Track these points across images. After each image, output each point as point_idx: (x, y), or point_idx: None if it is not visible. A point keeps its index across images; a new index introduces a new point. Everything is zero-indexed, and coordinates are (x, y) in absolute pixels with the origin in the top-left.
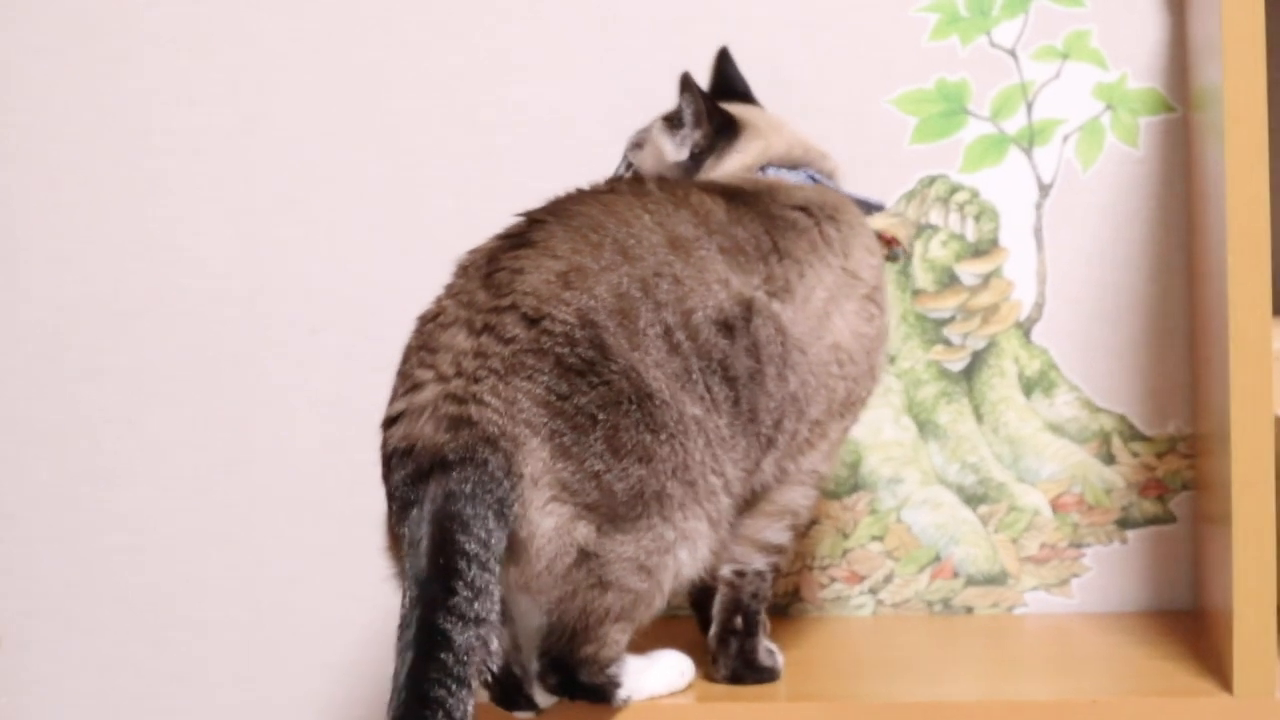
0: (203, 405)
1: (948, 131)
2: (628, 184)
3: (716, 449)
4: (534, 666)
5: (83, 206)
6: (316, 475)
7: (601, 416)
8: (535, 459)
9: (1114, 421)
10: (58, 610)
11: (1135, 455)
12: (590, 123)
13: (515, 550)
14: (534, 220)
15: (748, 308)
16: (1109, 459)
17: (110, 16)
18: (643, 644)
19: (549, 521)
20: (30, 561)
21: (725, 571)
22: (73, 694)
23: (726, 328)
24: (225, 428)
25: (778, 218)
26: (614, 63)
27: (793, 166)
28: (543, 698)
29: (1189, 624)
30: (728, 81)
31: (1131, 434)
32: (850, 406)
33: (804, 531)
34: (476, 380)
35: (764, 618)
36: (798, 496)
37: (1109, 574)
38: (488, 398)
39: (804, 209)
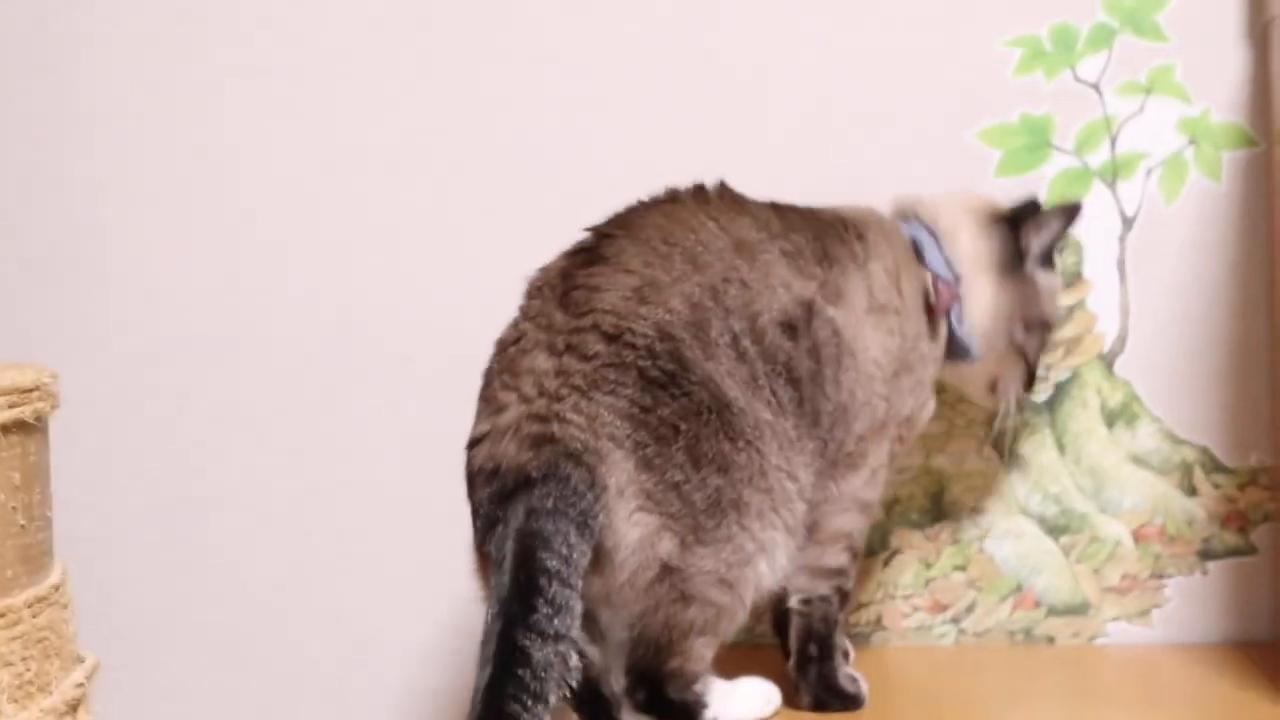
0: (293, 434)
1: (1032, 165)
2: (689, 193)
3: (788, 452)
4: (621, 683)
5: (177, 238)
6: (405, 504)
7: (683, 427)
8: (619, 471)
9: (1196, 453)
10: (148, 637)
11: (1217, 487)
12: (669, 144)
13: (600, 562)
14: (602, 235)
15: (809, 309)
16: (1191, 490)
17: (203, 50)
18: (730, 672)
19: (635, 533)
20: (123, 588)
21: (793, 602)
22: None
23: (790, 329)
24: (315, 457)
25: (822, 225)
26: (695, 91)
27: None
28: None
29: (1270, 655)
30: None
31: (1213, 466)
32: (885, 428)
33: (861, 553)
34: (559, 399)
35: (847, 645)
36: (846, 521)
37: (1190, 605)
38: (570, 415)
39: (842, 221)
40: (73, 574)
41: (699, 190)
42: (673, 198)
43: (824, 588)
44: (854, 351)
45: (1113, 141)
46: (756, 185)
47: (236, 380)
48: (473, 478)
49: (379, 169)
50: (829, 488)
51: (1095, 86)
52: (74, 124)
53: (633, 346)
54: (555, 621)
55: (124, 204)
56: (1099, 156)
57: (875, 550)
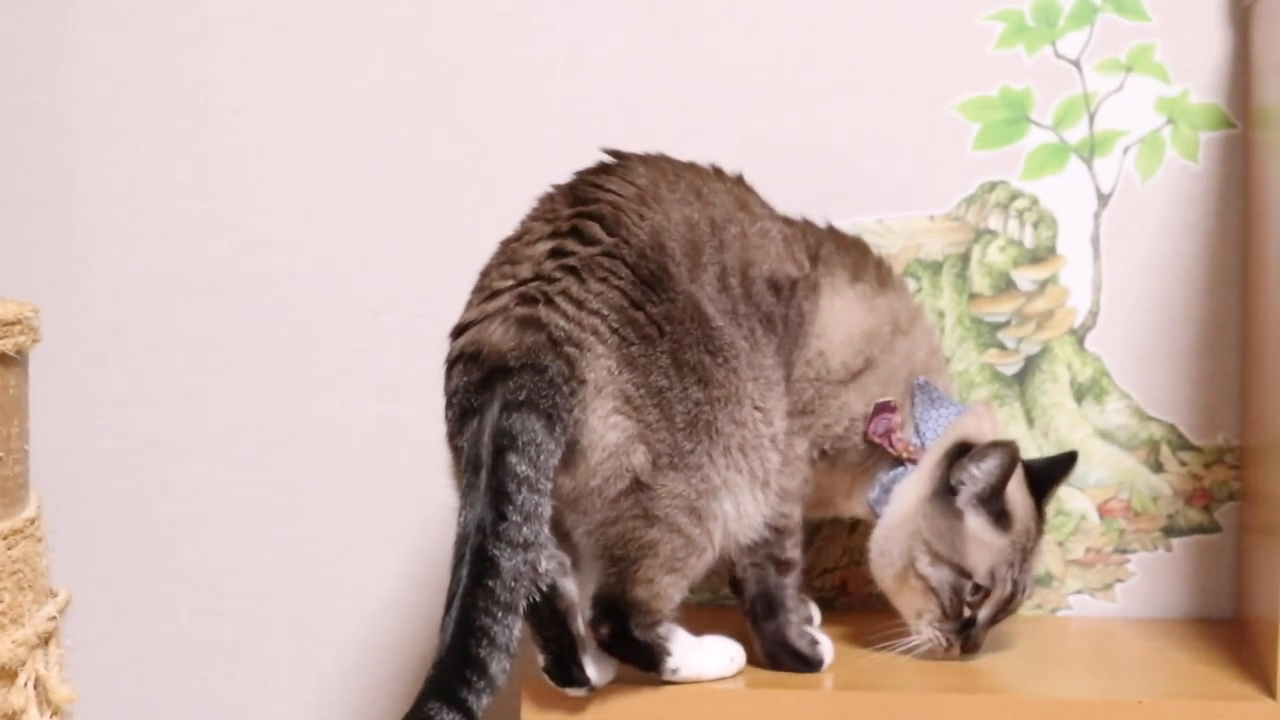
0: (265, 381)
1: (1010, 139)
2: (707, 164)
3: (765, 390)
4: (588, 614)
5: (151, 183)
6: (374, 454)
7: (668, 329)
8: (600, 367)
9: (1164, 430)
10: (116, 575)
11: (1183, 464)
12: (656, 114)
13: (573, 461)
14: (615, 154)
15: (792, 286)
16: (1157, 467)
17: None
18: (697, 631)
19: (612, 435)
20: (91, 526)
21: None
22: (128, 657)
23: (775, 289)
24: (286, 404)
25: (836, 234)
26: (681, 58)
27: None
28: (595, 672)
29: (1231, 632)
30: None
31: (1180, 443)
32: (805, 415)
33: (789, 530)
34: (551, 281)
35: (811, 610)
36: None
37: (1153, 580)
38: (558, 299)
39: (856, 244)
40: (47, 509)
41: (714, 166)
42: (689, 161)
43: (748, 559)
44: (814, 335)
45: (1091, 118)
46: (728, 152)
47: (209, 325)
48: (452, 364)
49: (359, 117)
50: None
51: (1075, 63)
52: (49, 59)
53: (628, 243)
54: (525, 529)
55: (106, 142)
56: (1077, 132)
57: (841, 517)
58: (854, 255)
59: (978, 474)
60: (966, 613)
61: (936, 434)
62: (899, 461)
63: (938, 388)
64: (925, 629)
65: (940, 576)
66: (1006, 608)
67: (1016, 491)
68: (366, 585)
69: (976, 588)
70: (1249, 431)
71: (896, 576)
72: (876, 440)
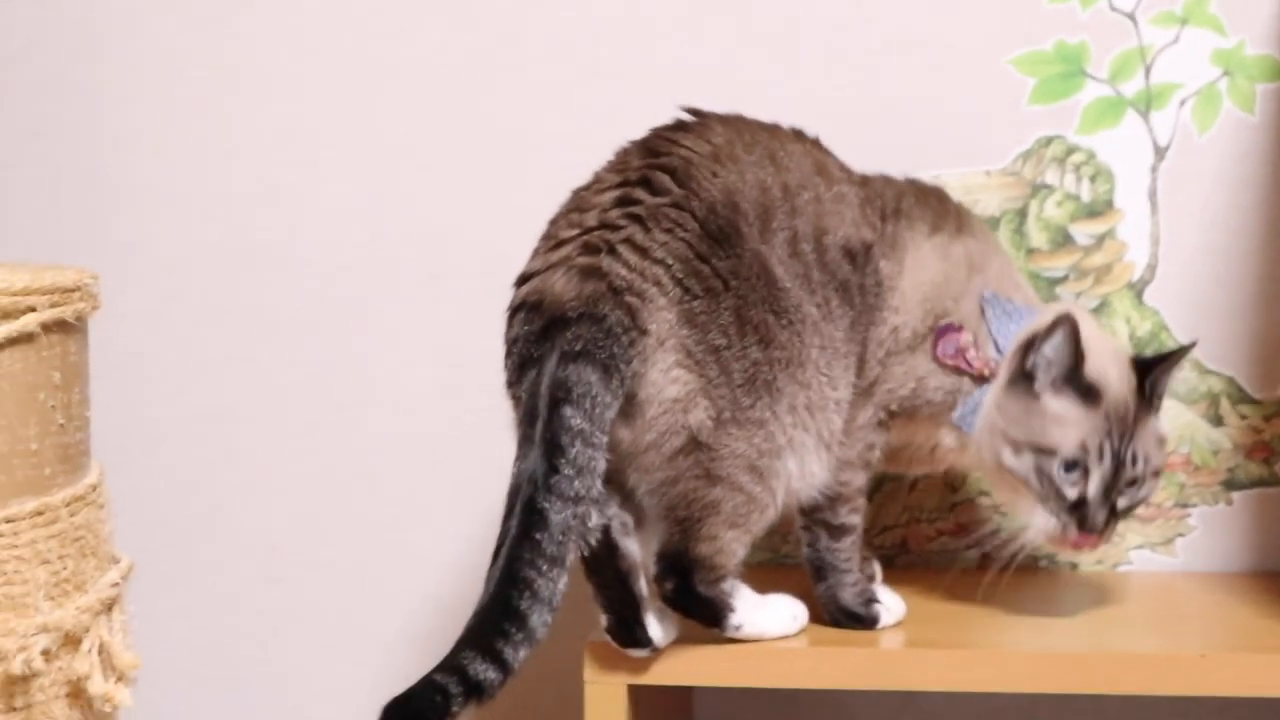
0: (322, 347)
1: (1066, 93)
2: (788, 127)
3: (832, 359)
4: (653, 570)
5: (208, 149)
6: (433, 419)
7: (734, 284)
8: (662, 320)
9: (1223, 384)
10: (177, 542)
11: (1243, 418)
12: (710, 75)
13: (631, 414)
14: (694, 112)
15: (868, 250)
16: (1217, 421)
17: None
18: (762, 590)
19: (671, 390)
20: (151, 495)
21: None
22: (190, 624)
23: (851, 256)
24: (344, 370)
25: (915, 186)
26: (735, 19)
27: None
28: (658, 632)
29: None
30: None
31: (1240, 396)
32: (870, 388)
33: (849, 498)
34: (616, 229)
35: (874, 568)
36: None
37: (1213, 534)
38: (622, 248)
39: (951, 202)
40: (108, 477)
41: (795, 128)
42: (770, 123)
43: (802, 519)
44: (891, 308)
45: (1147, 71)
46: (784, 108)
47: (266, 292)
48: (513, 312)
49: (414, 83)
50: None
51: (1130, 16)
52: (101, 28)
53: (698, 196)
54: (576, 483)
55: (155, 114)
56: (1133, 86)
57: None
58: (933, 205)
59: (1049, 353)
60: (1070, 494)
61: (1010, 337)
62: (983, 383)
63: (1011, 299)
64: (1034, 520)
65: (1025, 464)
66: (1125, 487)
67: (1108, 366)
68: (427, 550)
69: (1068, 465)
70: None
71: (996, 483)
72: (949, 363)
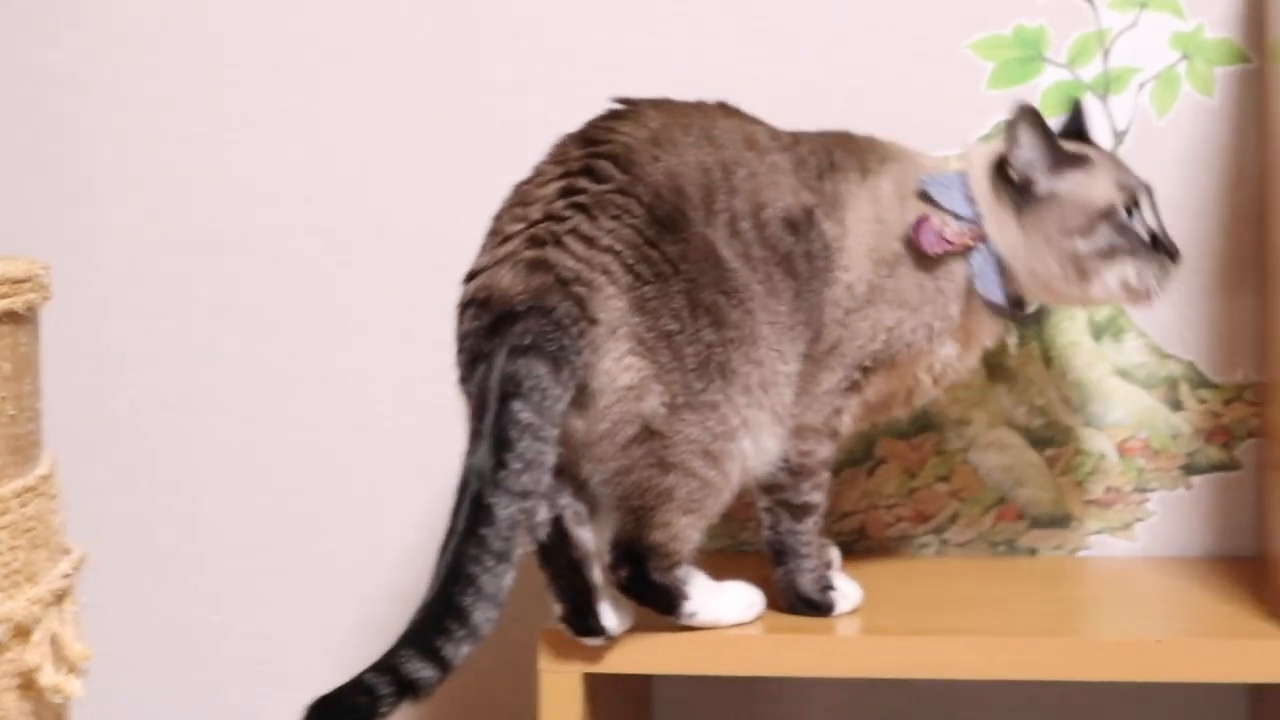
0: (280, 338)
1: (1024, 77)
2: (713, 101)
3: (780, 335)
4: (607, 558)
5: (164, 138)
6: (394, 408)
7: (683, 268)
8: (612, 306)
9: (1182, 368)
10: (129, 531)
11: (1202, 402)
12: (670, 63)
13: (584, 403)
14: (625, 101)
15: (809, 215)
16: (1176, 405)
17: None
18: (718, 577)
19: (624, 378)
20: (105, 483)
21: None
22: (143, 614)
23: (793, 226)
24: (301, 360)
25: (837, 139)
26: (693, 6)
27: None
28: (612, 620)
29: (1252, 570)
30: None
31: (1199, 381)
32: (832, 351)
33: (812, 470)
34: (561, 220)
35: (831, 554)
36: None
37: (1173, 519)
38: (568, 239)
39: (863, 142)
40: (61, 467)
41: (720, 102)
42: (697, 103)
43: (764, 500)
44: (841, 266)
45: (1105, 55)
46: (739, 98)
47: (225, 282)
48: (463, 309)
49: (381, 59)
50: None
51: (1089, 0)
52: (58, 15)
53: (642, 180)
54: (524, 478)
55: (115, 100)
56: (1091, 70)
57: (859, 460)
58: (854, 149)
59: (1027, 152)
60: (1143, 233)
61: (971, 198)
62: (972, 251)
63: (939, 172)
64: (1129, 278)
65: (1098, 241)
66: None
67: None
68: (388, 540)
69: (1128, 207)
70: (1268, 368)
71: (1078, 292)
72: (941, 252)
